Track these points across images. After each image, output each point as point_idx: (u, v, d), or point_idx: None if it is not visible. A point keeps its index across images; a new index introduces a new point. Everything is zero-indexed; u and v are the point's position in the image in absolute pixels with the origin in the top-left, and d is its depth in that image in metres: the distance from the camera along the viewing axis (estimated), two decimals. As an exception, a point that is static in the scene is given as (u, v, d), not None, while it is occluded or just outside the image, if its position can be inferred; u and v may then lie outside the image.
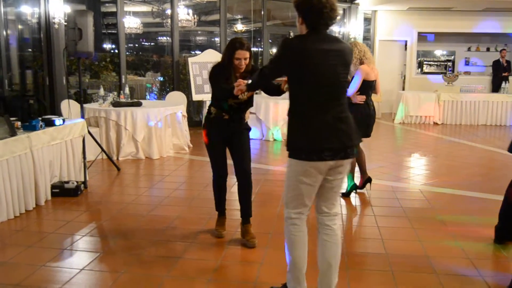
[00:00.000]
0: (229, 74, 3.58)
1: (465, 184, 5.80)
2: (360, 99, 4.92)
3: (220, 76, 3.58)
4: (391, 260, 3.49)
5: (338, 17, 2.50)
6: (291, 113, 2.64)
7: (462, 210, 4.76)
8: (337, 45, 2.64)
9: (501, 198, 4.67)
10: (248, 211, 3.85)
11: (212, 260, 3.49)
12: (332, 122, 2.56)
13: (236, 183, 3.86)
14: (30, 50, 9.04)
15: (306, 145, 2.53)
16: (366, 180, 5.25)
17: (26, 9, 8.29)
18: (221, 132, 3.75)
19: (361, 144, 5.19)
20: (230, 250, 3.69)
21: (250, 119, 4.95)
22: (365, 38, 13.20)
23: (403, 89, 13.23)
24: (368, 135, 5.08)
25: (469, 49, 14.42)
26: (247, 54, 3.57)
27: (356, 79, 4.85)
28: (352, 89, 4.85)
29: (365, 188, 5.30)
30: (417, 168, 6.73)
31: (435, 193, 5.36)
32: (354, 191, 5.20)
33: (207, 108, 3.93)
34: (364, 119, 4.96)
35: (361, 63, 4.88)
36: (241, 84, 3.15)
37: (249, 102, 3.73)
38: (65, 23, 7.52)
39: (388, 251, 3.67)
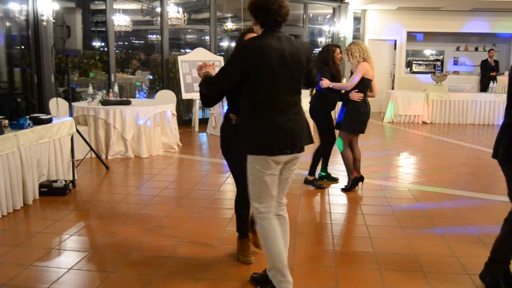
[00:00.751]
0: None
1: (453, 183, 5.85)
2: (358, 96, 5.06)
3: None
4: (379, 258, 3.51)
5: (288, 15, 2.61)
6: (245, 113, 2.73)
7: (450, 208, 4.81)
8: (292, 44, 2.70)
9: (489, 197, 4.73)
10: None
11: (201, 259, 3.48)
12: (287, 123, 2.68)
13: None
14: (18, 47, 8.95)
15: (265, 144, 2.66)
16: (359, 178, 5.35)
17: (14, 6, 8.20)
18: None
19: (361, 144, 5.32)
20: (219, 248, 3.68)
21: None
22: (355, 38, 13.23)
23: (392, 88, 13.30)
24: (362, 131, 5.27)
25: (457, 49, 14.55)
26: None
27: (356, 75, 5.02)
28: (350, 83, 5.04)
29: (357, 187, 5.40)
30: (406, 167, 6.78)
31: (424, 192, 5.41)
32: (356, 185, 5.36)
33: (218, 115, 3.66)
34: (360, 116, 5.14)
35: (364, 60, 5.08)
36: (206, 66, 3.01)
37: None
38: (54, 21, 7.47)
39: (376, 249, 3.69)
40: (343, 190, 5.32)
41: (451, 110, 11.43)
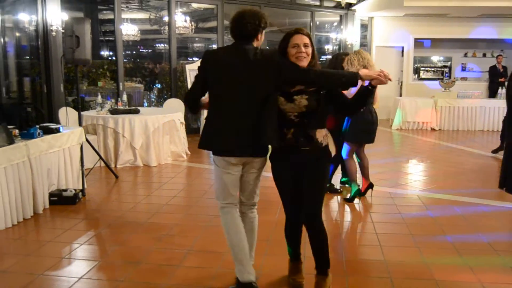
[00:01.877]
0: None
1: (462, 189, 5.81)
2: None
3: None
4: (389, 267, 3.49)
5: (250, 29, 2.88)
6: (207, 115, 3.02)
7: (460, 216, 4.77)
8: (247, 57, 2.86)
9: (499, 204, 4.68)
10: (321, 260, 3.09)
11: (210, 268, 3.48)
12: (233, 125, 2.87)
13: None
14: (27, 57, 9.05)
15: (209, 143, 2.97)
16: (368, 186, 5.30)
17: (24, 17, 8.30)
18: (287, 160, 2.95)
19: (365, 151, 5.25)
20: (229, 257, 3.67)
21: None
22: (362, 45, 13.25)
23: (400, 95, 13.26)
24: (371, 141, 5.20)
25: (465, 55, 14.49)
26: (306, 40, 2.89)
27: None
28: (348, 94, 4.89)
29: (367, 194, 5.34)
30: (415, 174, 6.74)
31: (433, 199, 5.37)
32: (358, 196, 5.24)
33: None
34: (365, 126, 5.07)
35: (364, 68, 4.94)
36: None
37: (320, 110, 2.87)
38: (63, 31, 7.54)
39: (387, 257, 3.67)
40: (346, 200, 5.25)
41: (459, 117, 11.38)
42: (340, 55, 5.37)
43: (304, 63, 2.87)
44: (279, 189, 3.05)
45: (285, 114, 2.83)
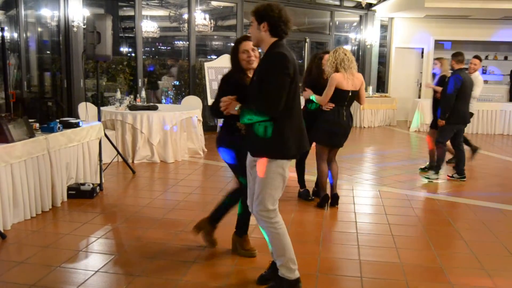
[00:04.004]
0: (240, 78, 3.30)
1: (481, 194, 5.73)
2: (328, 106, 4.78)
3: (224, 86, 3.38)
4: (405, 270, 3.46)
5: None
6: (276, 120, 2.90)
7: (478, 220, 4.70)
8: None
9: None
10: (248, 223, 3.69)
11: (226, 265, 3.49)
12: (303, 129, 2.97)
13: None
14: (49, 52, 9.17)
15: (303, 147, 3.01)
16: (324, 197, 4.96)
17: (46, 12, 8.42)
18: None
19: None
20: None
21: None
22: (382, 45, 13.16)
23: (419, 97, 13.13)
24: (334, 144, 4.90)
25: (486, 58, 14.24)
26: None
27: (326, 89, 4.72)
28: (323, 98, 4.75)
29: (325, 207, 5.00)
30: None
31: (451, 203, 5.31)
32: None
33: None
34: (327, 126, 4.79)
35: (336, 71, 4.71)
36: (227, 102, 2.92)
37: None
38: (84, 27, 7.63)
39: (403, 260, 3.64)
40: (317, 206, 4.98)
41: (479, 120, 11.20)
42: (318, 54, 5.18)
43: (255, 64, 3.24)
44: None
45: None
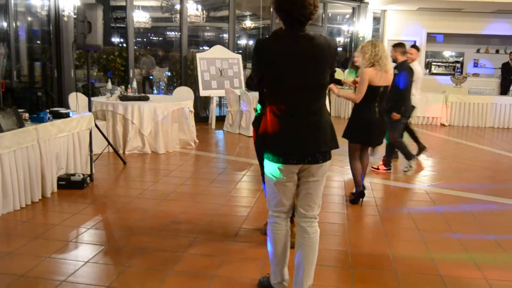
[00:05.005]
0: None
1: (471, 186, 5.77)
2: (336, 88, 4.71)
3: None
4: (395, 261, 3.48)
5: (314, 14, 2.49)
6: (263, 114, 2.66)
7: (468, 213, 4.74)
8: (311, 43, 2.51)
9: (508, 201, 4.64)
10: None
11: (216, 256, 3.49)
12: (299, 126, 2.54)
13: None
14: (39, 42, 9.06)
15: (273, 148, 2.56)
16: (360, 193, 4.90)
17: (35, 1, 8.31)
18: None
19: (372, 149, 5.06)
20: (235, 246, 3.69)
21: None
22: (374, 38, 13.15)
23: (411, 89, 13.16)
24: (371, 143, 4.90)
25: (478, 51, 14.34)
26: None
27: (360, 85, 4.65)
28: (358, 95, 4.68)
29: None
30: (424, 169, 6.70)
31: (441, 195, 5.34)
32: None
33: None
34: (363, 126, 4.75)
35: (372, 65, 4.64)
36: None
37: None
38: (75, 16, 7.54)
39: (393, 251, 3.66)
40: (351, 202, 4.93)
41: (470, 113, 11.26)
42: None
43: None
44: None
45: None
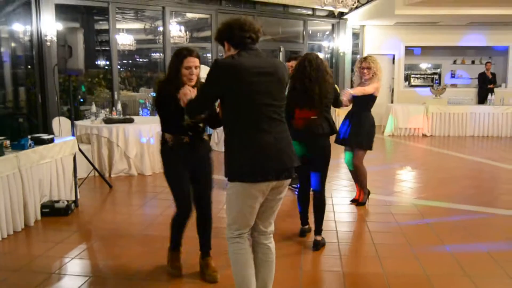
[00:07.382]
0: (169, 90, 3.14)
1: (457, 197, 5.81)
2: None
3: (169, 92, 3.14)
4: (389, 280, 3.44)
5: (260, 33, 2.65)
6: (229, 135, 2.63)
7: (457, 223, 4.75)
8: (269, 61, 2.63)
9: (494, 211, 4.64)
10: (209, 243, 3.60)
11: (206, 284, 3.41)
12: (274, 142, 2.56)
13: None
14: (23, 67, 8.98)
15: (250, 167, 2.52)
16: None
17: (18, 27, 8.26)
18: (185, 159, 3.36)
19: (364, 159, 5.16)
20: (226, 272, 3.59)
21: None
22: (354, 53, 13.31)
23: (392, 102, 13.33)
24: (371, 147, 5.16)
25: (454, 62, 14.63)
26: (197, 62, 3.20)
27: (372, 86, 4.97)
28: (370, 88, 4.97)
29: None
30: (410, 181, 6.74)
31: (429, 207, 5.35)
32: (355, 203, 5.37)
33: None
34: (373, 129, 5.12)
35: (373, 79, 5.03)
36: (187, 93, 2.81)
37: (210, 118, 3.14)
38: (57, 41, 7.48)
39: (386, 269, 3.63)
40: (359, 204, 5.33)
41: (450, 123, 11.45)
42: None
43: (193, 82, 3.16)
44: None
45: None
